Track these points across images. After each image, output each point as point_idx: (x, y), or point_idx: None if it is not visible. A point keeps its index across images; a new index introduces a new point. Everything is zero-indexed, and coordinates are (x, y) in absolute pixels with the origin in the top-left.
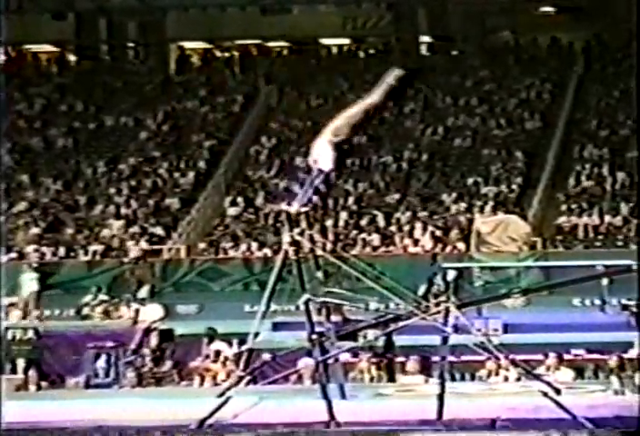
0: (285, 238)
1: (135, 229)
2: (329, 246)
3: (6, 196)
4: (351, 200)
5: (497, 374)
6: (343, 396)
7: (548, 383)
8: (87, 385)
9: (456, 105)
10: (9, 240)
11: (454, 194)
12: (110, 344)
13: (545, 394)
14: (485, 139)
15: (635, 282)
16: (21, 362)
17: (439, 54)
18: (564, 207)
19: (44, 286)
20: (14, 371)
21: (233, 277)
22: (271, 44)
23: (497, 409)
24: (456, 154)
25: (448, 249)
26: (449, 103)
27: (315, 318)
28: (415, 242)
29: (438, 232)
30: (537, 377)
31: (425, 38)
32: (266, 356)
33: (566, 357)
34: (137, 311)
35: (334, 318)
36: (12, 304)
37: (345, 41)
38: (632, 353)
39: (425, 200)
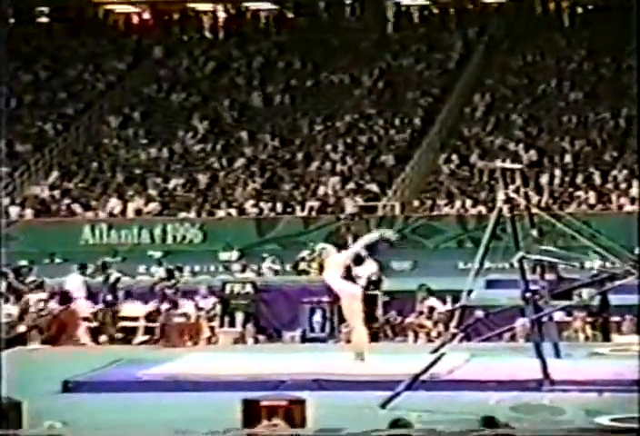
0: (500, 195)
1: (350, 185)
2: (544, 204)
3: (225, 152)
4: (567, 157)
5: None
6: (557, 355)
7: None
8: (303, 339)
9: None
10: (229, 195)
11: None
12: (326, 299)
13: None
14: None
15: None
16: (239, 316)
17: None
18: None
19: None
20: (232, 324)
21: (447, 234)
22: None
23: None
24: None
25: None
26: None
27: (528, 276)
28: (632, 201)
29: None
30: None
31: None
32: (480, 313)
33: None
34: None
35: (548, 276)
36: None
37: None
38: None
39: None
